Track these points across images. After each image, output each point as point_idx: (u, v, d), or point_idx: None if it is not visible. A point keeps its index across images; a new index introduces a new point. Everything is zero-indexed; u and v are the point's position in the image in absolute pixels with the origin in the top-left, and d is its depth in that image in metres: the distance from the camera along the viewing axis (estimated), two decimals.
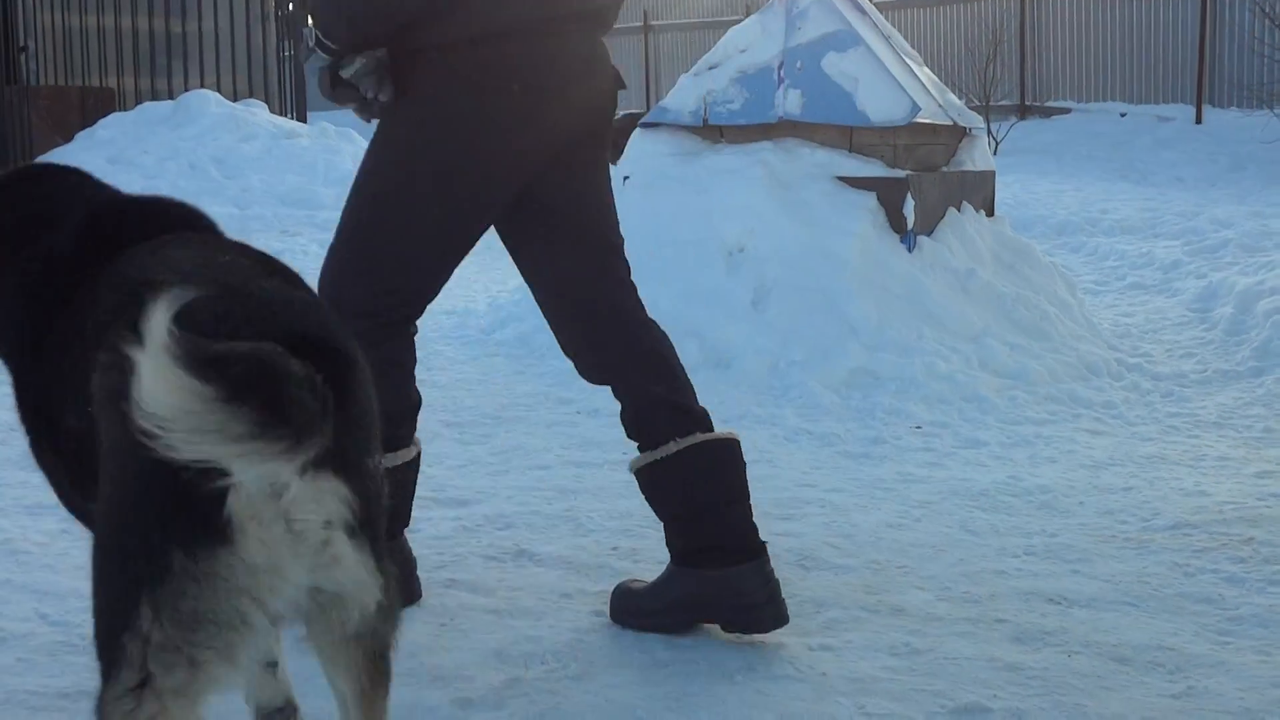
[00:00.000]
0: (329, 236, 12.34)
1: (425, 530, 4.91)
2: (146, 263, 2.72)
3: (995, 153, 21.38)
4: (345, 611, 2.46)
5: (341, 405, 2.19)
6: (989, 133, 21.16)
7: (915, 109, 7.72)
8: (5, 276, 3.02)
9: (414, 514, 5.02)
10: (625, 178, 8.22)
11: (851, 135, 7.83)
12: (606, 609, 4.20)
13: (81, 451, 2.63)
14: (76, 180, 3.27)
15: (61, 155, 15.67)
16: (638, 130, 8.43)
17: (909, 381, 6.86)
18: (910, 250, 7.63)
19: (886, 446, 6.06)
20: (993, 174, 8.55)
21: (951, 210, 7.99)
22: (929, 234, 7.80)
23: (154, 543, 2.27)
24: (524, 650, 3.89)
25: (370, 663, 2.62)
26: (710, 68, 8.23)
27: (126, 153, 15.63)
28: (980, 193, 8.32)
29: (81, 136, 16.22)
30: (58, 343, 2.81)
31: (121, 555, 2.33)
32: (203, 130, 15.98)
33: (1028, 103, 22.87)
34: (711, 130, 8.17)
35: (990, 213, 8.42)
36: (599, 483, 5.51)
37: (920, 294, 7.45)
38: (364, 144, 16.47)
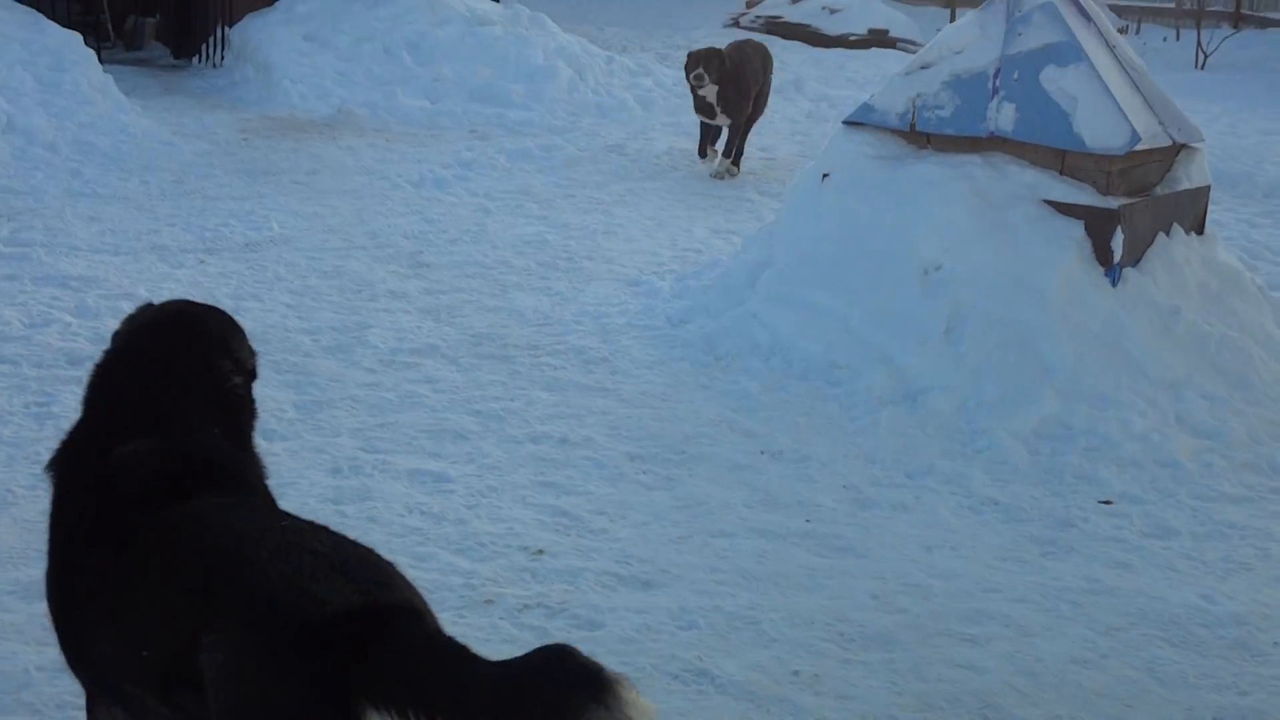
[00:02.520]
0: (516, 143, 12.55)
1: (609, 627, 4.96)
2: (213, 529, 2.94)
3: (1203, 67, 20.53)
4: None
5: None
6: (1199, 44, 20.31)
7: (1135, 138, 7.40)
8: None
9: (599, 603, 5.10)
10: (825, 175, 8.06)
11: (1064, 158, 7.56)
12: None
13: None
14: (186, 361, 3.39)
15: (261, 27, 15.78)
16: (841, 127, 8.21)
17: (1102, 439, 6.70)
18: (1114, 284, 7.39)
19: (1074, 532, 5.94)
20: (1207, 189, 8.21)
21: (1161, 236, 7.71)
22: (1135, 264, 7.54)
23: None
24: None
25: None
26: (923, 67, 7.97)
27: (322, 31, 15.70)
28: (1192, 213, 8.00)
29: (281, 7, 16.19)
30: (120, 575, 3.01)
31: None
32: (399, 12, 15.96)
33: (1244, 11, 21.78)
34: (918, 136, 7.94)
35: (1200, 231, 8.10)
36: (781, 567, 5.50)
37: (1121, 334, 7.24)
38: (557, 32, 16.33)
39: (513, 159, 12.68)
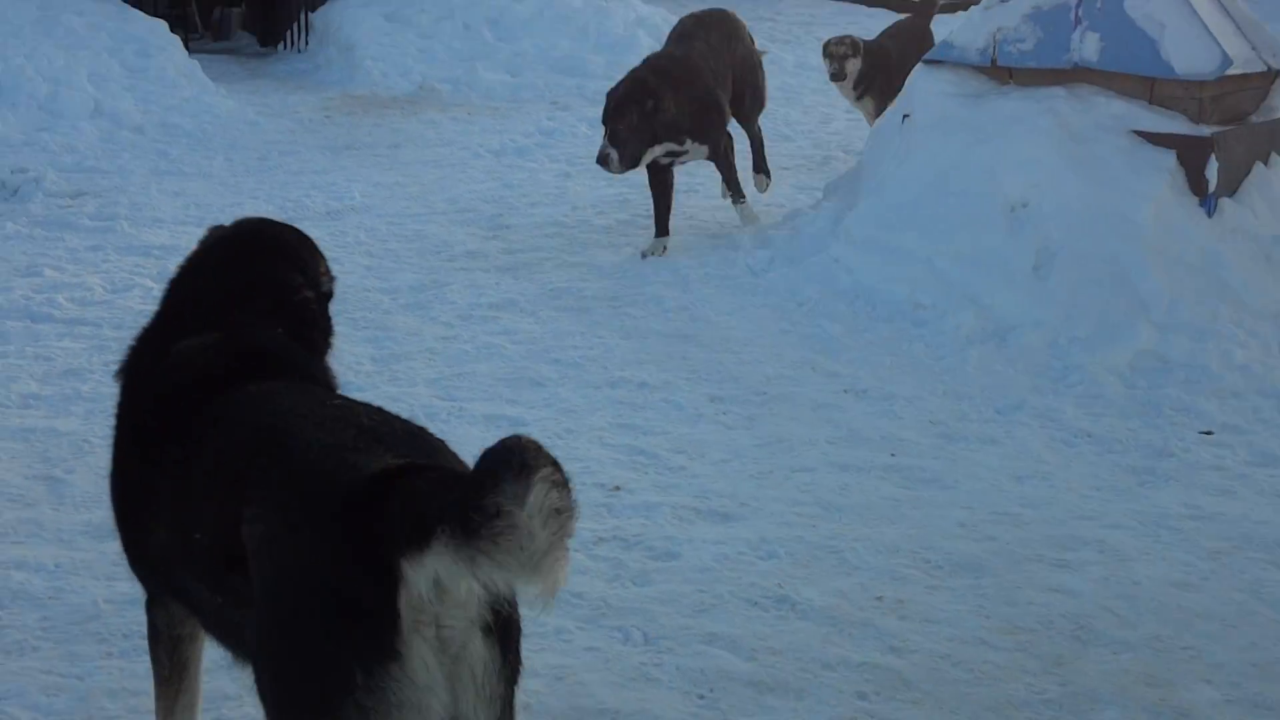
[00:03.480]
0: (597, 112, 12.19)
1: (686, 556, 4.84)
2: (262, 408, 2.93)
3: None
4: None
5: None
6: None
7: (1226, 62, 7.13)
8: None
9: (675, 534, 4.98)
10: (905, 116, 7.87)
11: (1153, 86, 7.30)
12: (869, 688, 4.09)
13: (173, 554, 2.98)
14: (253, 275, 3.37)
15: (343, 9, 15.80)
16: (920, 66, 8.01)
17: (1200, 370, 6.45)
18: (1210, 215, 7.13)
19: (1173, 462, 5.71)
20: None
21: (1259, 165, 7.42)
22: (1231, 195, 7.26)
23: (338, 663, 2.48)
24: None
25: None
26: (1003, 0, 7.74)
27: (404, 10, 15.66)
28: None
29: None
30: (173, 461, 3.00)
31: (307, 677, 2.53)
32: None
33: None
34: (1000, 71, 7.71)
35: None
36: (865, 498, 5.35)
37: (1218, 265, 6.98)
38: (637, 4, 16.23)
39: (594, 126, 12.41)
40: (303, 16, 16.70)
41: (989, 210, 7.28)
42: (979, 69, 7.77)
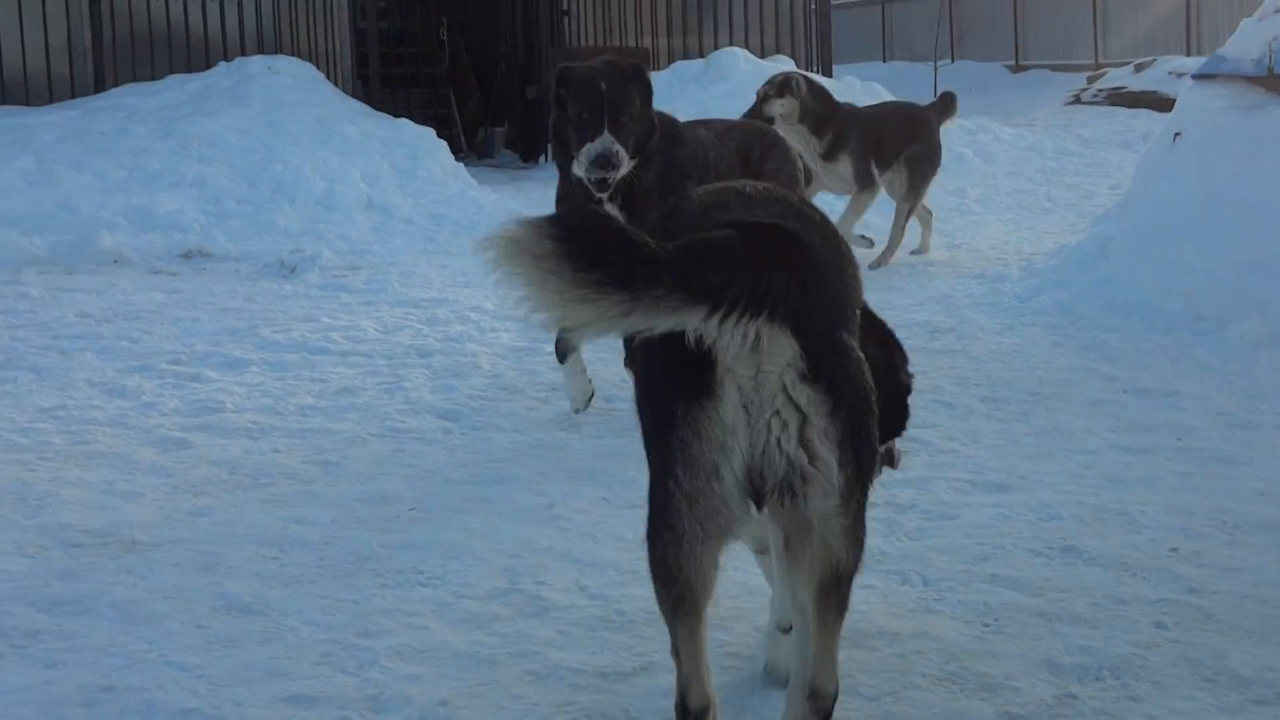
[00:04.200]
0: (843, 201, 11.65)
1: (964, 517, 4.66)
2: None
3: None
4: (805, 485, 2.75)
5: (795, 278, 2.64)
6: None
7: None
8: None
9: (951, 500, 4.81)
10: (1176, 134, 7.62)
11: None
12: (1168, 619, 3.83)
13: None
14: None
15: None
16: (1190, 83, 7.78)
17: None
18: None
19: None
20: None
21: None
22: None
23: (666, 397, 2.72)
24: (1077, 662, 3.57)
25: (828, 583, 2.89)
26: (1277, 10, 7.49)
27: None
28: None
29: None
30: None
31: (650, 413, 2.84)
32: (732, 88, 16.18)
33: None
34: (1277, 81, 7.43)
35: None
36: (1151, 472, 5.08)
37: None
38: (886, 95, 16.25)
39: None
40: None
41: (1270, 220, 6.97)
42: (1254, 80, 7.50)
